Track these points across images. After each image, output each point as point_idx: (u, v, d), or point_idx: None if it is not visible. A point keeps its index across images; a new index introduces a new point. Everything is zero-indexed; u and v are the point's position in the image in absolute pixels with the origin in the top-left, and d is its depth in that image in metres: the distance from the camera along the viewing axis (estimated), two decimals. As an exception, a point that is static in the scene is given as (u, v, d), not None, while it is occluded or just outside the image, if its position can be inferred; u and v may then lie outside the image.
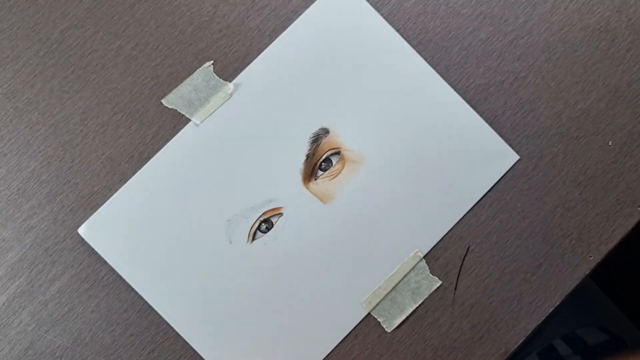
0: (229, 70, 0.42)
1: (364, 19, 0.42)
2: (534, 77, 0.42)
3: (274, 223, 0.40)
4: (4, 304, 0.39)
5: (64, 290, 0.40)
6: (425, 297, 0.40)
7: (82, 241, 0.40)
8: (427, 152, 0.41)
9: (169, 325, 0.39)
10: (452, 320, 0.40)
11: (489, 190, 0.41)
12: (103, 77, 0.42)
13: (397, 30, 0.42)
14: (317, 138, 0.41)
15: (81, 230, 0.40)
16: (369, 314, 0.40)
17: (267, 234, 0.40)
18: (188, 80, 0.42)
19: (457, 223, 0.41)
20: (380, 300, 0.40)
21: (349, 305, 0.40)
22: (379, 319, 0.40)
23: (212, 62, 0.42)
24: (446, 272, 0.40)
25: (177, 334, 0.39)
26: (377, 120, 0.41)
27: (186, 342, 0.39)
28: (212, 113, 0.41)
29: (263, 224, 0.40)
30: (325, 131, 0.41)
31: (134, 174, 0.41)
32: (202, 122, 0.41)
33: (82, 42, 0.42)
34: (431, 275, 0.40)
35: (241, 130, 0.41)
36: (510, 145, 0.41)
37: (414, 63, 0.41)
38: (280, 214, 0.40)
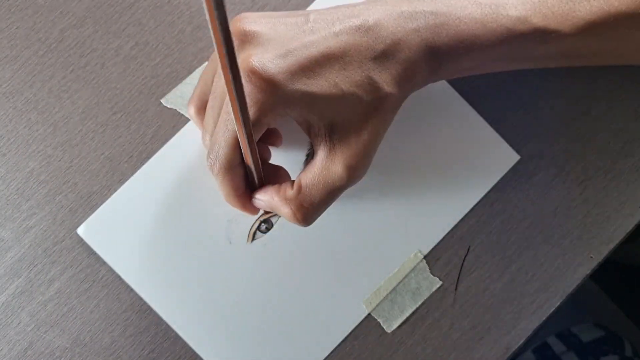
0: (228, 70, 0.42)
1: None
2: (534, 77, 0.42)
3: (274, 223, 0.40)
4: (2, 304, 0.39)
5: (63, 290, 0.39)
6: (425, 298, 0.40)
7: (81, 241, 0.40)
8: (427, 152, 0.41)
9: (169, 326, 0.39)
10: (453, 320, 0.40)
11: (489, 190, 0.41)
12: (102, 77, 0.41)
13: (398, 30, 0.42)
14: (317, 138, 0.41)
15: (80, 231, 0.40)
16: (369, 314, 0.40)
17: (267, 234, 0.40)
18: (188, 79, 0.41)
19: (457, 223, 0.41)
20: (381, 301, 0.40)
21: (349, 305, 0.40)
22: (379, 320, 0.40)
23: (211, 61, 0.42)
24: (447, 272, 0.40)
25: (177, 335, 0.39)
26: (378, 120, 0.41)
27: (186, 343, 0.39)
28: (211, 113, 0.41)
29: (263, 224, 0.40)
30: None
31: (133, 173, 0.40)
32: (201, 121, 0.41)
33: (81, 42, 0.42)
34: (432, 275, 0.40)
35: (241, 130, 0.41)
36: (510, 145, 0.41)
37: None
38: (280, 214, 0.40)
